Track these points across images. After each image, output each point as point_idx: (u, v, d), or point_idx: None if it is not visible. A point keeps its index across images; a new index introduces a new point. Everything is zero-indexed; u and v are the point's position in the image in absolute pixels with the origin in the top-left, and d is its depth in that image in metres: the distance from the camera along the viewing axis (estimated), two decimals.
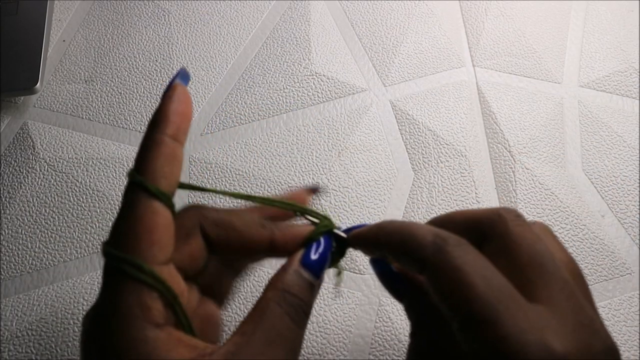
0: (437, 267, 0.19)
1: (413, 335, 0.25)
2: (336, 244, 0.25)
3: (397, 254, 0.21)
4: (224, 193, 0.24)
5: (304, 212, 0.25)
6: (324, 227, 0.24)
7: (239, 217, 0.23)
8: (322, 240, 0.24)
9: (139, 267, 0.19)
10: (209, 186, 0.41)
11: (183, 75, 0.22)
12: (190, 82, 0.47)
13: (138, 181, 0.20)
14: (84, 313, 0.21)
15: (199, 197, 0.41)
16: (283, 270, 0.22)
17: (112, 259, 0.19)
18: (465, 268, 0.19)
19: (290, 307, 0.21)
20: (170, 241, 0.20)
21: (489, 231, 0.21)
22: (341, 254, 0.25)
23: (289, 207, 0.25)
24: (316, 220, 0.25)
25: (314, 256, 0.23)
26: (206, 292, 0.24)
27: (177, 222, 0.22)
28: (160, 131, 0.21)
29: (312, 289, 0.22)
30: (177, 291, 0.20)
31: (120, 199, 0.41)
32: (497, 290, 0.18)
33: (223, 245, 0.23)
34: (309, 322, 0.36)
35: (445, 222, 0.23)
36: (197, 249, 0.22)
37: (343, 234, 0.25)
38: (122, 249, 0.19)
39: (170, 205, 0.21)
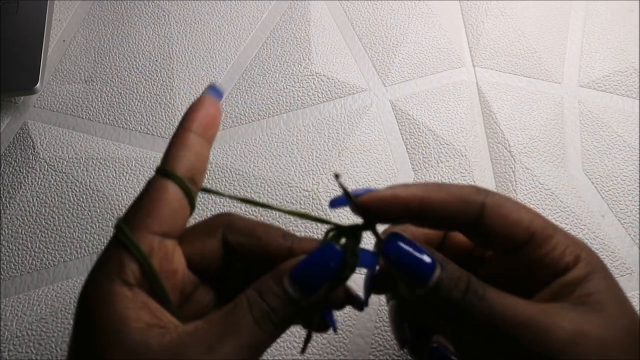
0: (498, 211, 0.21)
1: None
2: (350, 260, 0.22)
3: (449, 219, 0.22)
4: (249, 202, 0.25)
5: (320, 221, 0.25)
6: (330, 238, 0.23)
7: (263, 227, 0.24)
8: (319, 250, 0.22)
9: (123, 231, 0.20)
10: (208, 186, 0.41)
11: (213, 90, 0.24)
12: (193, 84, 0.47)
13: (157, 167, 0.22)
14: None
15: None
16: (270, 273, 0.22)
17: (115, 227, 0.21)
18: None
19: (258, 310, 0.20)
20: (172, 216, 0.22)
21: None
22: (351, 269, 0.22)
23: (305, 217, 0.25)
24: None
25: (303, 268, 0.21)
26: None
27: (203, 222, 0.24)
28: (182, 127, 0.23)
29: (291, 303, 0.21)
30: (166, 266, 0.21)
31: (120, 198, 0.41)
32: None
33: (243, 251, 0.23)
34: None
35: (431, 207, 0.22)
36: (212, 249, 0.23)
37: (381, 236, 0.22)
38: (125, 220, 0.21)
39: (182, 185, 0.22)
